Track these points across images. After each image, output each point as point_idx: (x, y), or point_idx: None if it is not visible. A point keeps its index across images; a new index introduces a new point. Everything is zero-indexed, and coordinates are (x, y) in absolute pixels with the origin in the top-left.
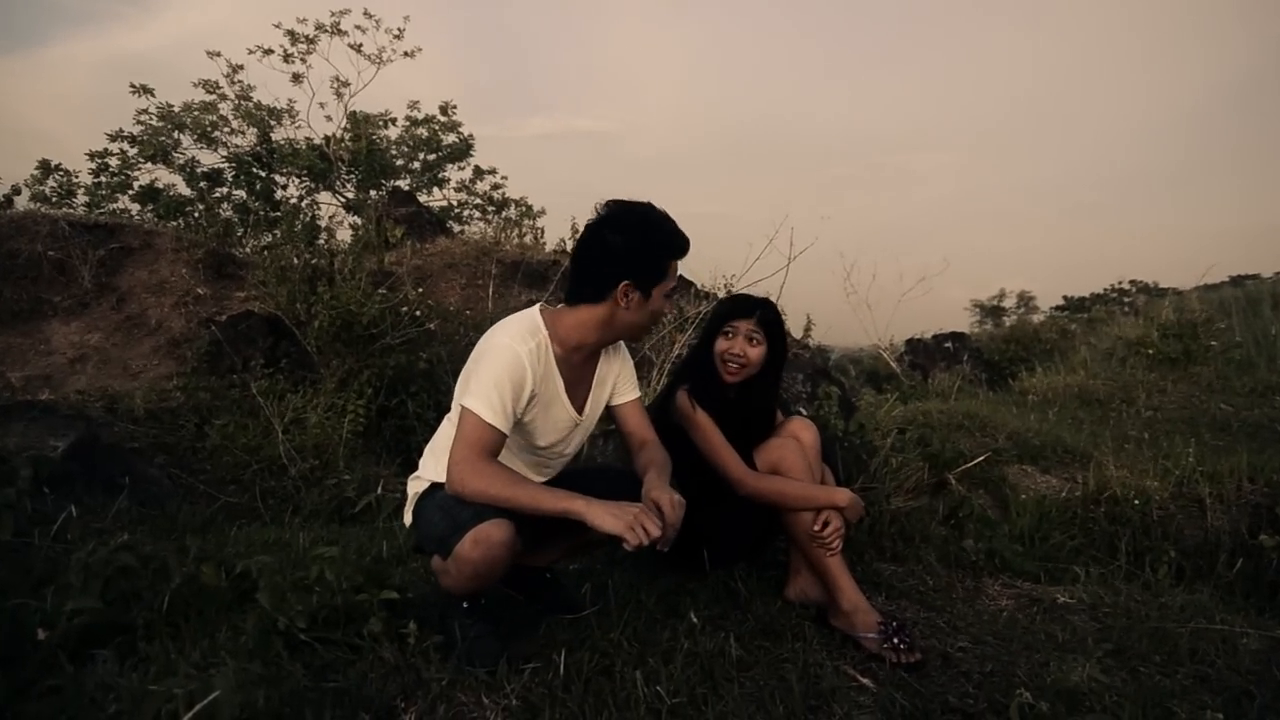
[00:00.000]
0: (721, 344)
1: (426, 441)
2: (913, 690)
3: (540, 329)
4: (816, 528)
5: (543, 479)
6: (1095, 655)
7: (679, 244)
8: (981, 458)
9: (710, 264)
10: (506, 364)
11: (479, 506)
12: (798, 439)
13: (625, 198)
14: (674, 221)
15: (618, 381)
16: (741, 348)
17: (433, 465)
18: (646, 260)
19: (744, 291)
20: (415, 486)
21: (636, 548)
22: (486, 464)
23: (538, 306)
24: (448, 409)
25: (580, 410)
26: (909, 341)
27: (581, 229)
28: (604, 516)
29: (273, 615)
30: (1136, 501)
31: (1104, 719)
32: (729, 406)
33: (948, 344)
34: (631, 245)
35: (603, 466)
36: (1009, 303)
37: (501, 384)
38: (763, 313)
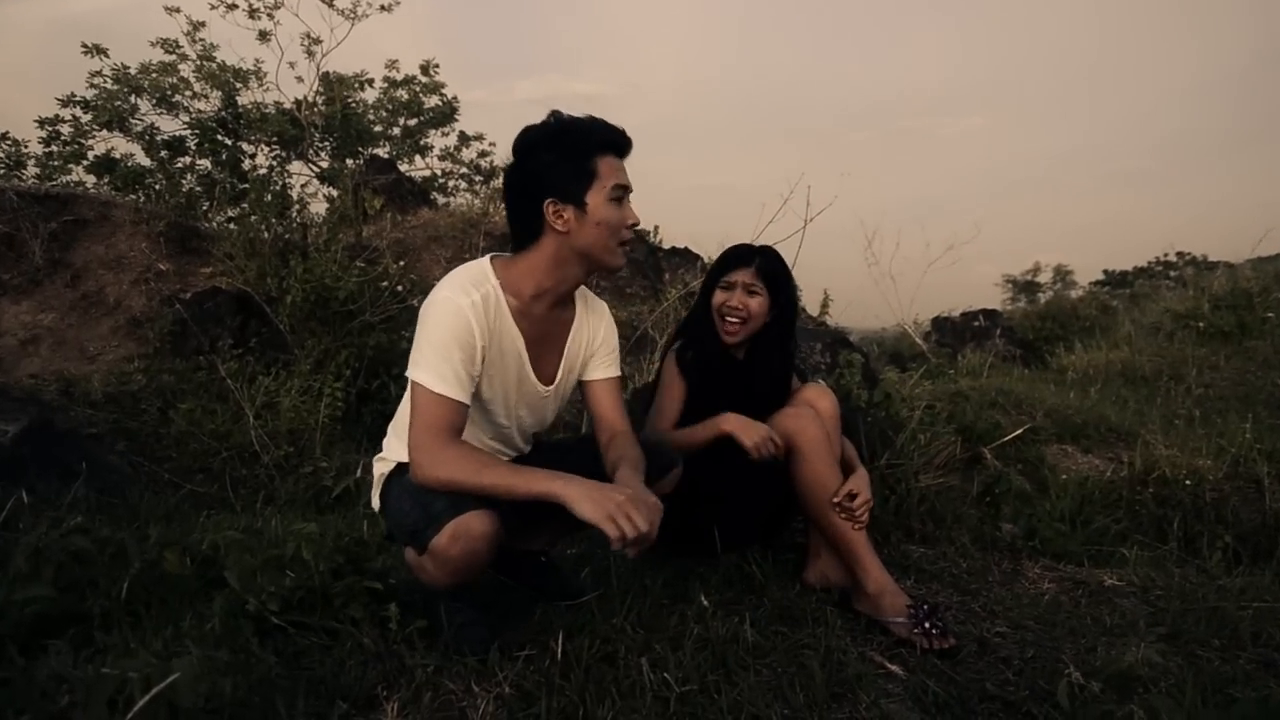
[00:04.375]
0: (719, 297)
1: None
2: (946, 677)
3: (489, 277)
4: (837, 499)
5: (513, 455)
6: (1149, 639)
7: (597, 135)
8: (1019, 431)
9: (718, 239)
10: (450, 322)
11: (452, 494)
12: (814, 407)
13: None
14: (571, 116)
15: (596, 351)
16: (740, 300)
17: (396, 444)
18: (562, 166)
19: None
20: (380, 468)
21: (619, 542)
22: (448, 446)
23: (489, 255)
24: None
25: (550, 379)
26: (935, 320)
27: None
28: (583, 501)
29: (242, 596)
30: (1188, 482)
31: (1164, 700)
32: (733, 371)
33: (977, 322)
34: (539, 159)
35: (586, 437)
36: (1044, 278)
37: (448, 346)
38: (762, 260)
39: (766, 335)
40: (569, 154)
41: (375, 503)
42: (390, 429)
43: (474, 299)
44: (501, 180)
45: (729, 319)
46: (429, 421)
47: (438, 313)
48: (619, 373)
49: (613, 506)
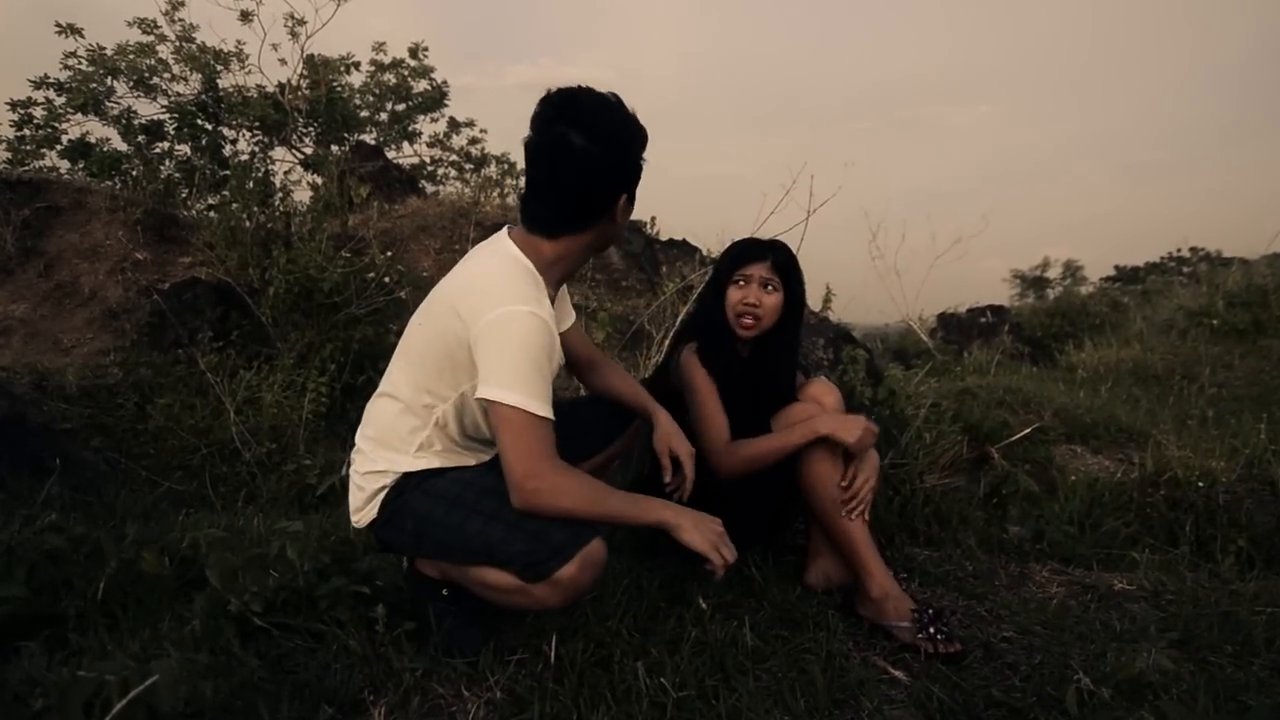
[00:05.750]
0: (734, 294)
1: None
2: (951, 683)
3: (539, 277)
4: (844, 483)
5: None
6: (1159, 644)
7: (643, 128)
8: (1027, 431)
9: (719, 229)
10: (539, 340)
11: (566, 520)
12: (820, 404)
13: (560, 87)
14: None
15: (560, 306)
16: (757, 296)
17: (390, 454)
18: (635, 162)
19: (752, 238)
20: (377, 481)
21: (722, 569)
22: (563, 473)
23: (510, 243)
24: None
25: None
26: (941, 316)
27: (532, 139)
28: (692, 531)
29: (223, 596)
30: (1200, 484)
31: (1175, 708)
32: (743, 368)
33: (985, 318)
34: (621, 150)
35: (572, 404)
36: (1054, 273)
37: (541, 365)
38: (776, 255)
39: (778, 332)
40: (639, 149)
41: (366, 517)
42: (372, 439)
43: (546, 308)
44: (555, 154)
45: (745, 316)
46: (537, 449)
47: (522, 329)
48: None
49: (715, 537)
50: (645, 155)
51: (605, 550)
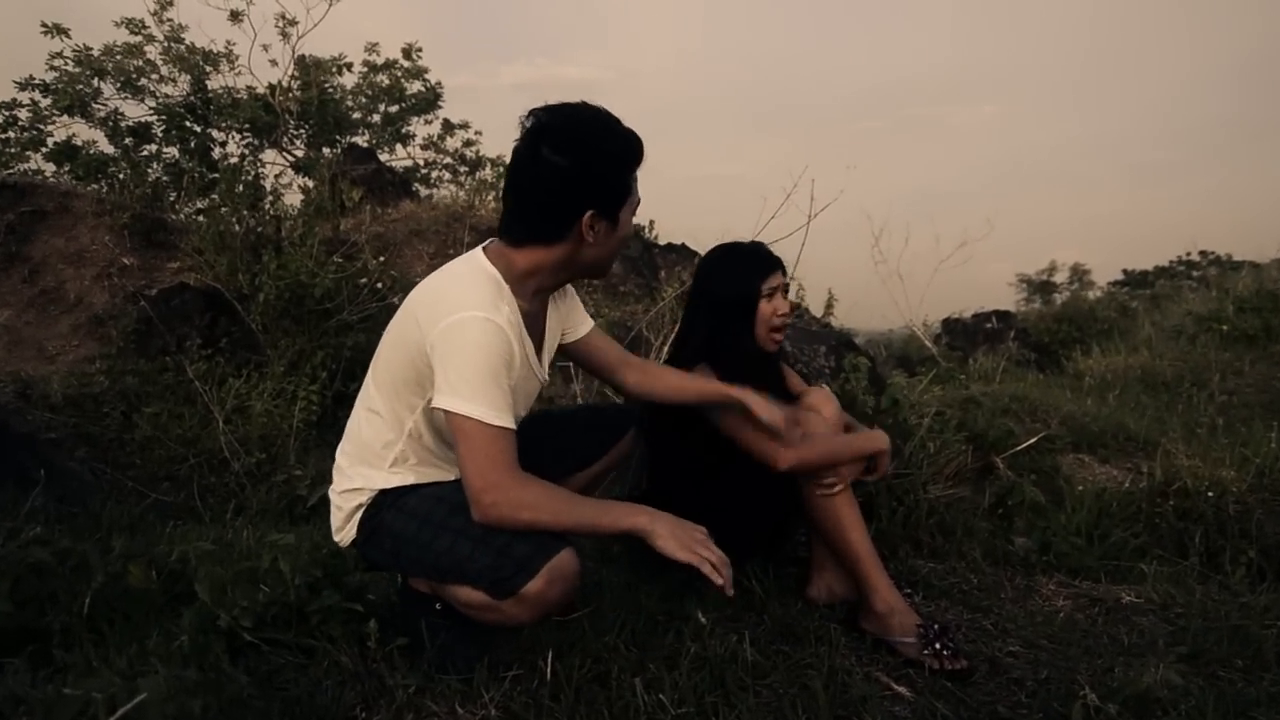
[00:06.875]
0: (765, 308)
1: None
2: (956, 699)
3: (502, 285)
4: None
5: None
6: (1168, 659)
7: (636, 148)
8: (1033, 440)
9: (719, 232)
10: (492, 345)
11: (533, 533)
12: (819, 413)
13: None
14: (618, 120)
15: (569, 315)
16: (787, 305)
17: (368, 471)
18: (607, 180)
19: (744, 243)
20: (354, 499)
21: (717, 576)
22: (523, 484)
23: (481, 253)
24: None
25: (543, 368)
26: (945, 321)
27: (513, 148)
28: (668, 539)
29: (212, 611)
30: (1210, 494)
31: None
32: (751, 378)
33: (990, 323)
34: (586, 165)
35: (564, 415)
36: (1060, 277)
37: (496, 372)
38: (783, 262)
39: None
40: (614, 165)
41: (347, 536)
42: (350, 455)
43: (505, 315)
44: (521, 164)
45: (778, 331)
46: (494, 459)
47: (475, 335)
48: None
49: (694, 544)
50: (635, 171)
51: (577, 561)
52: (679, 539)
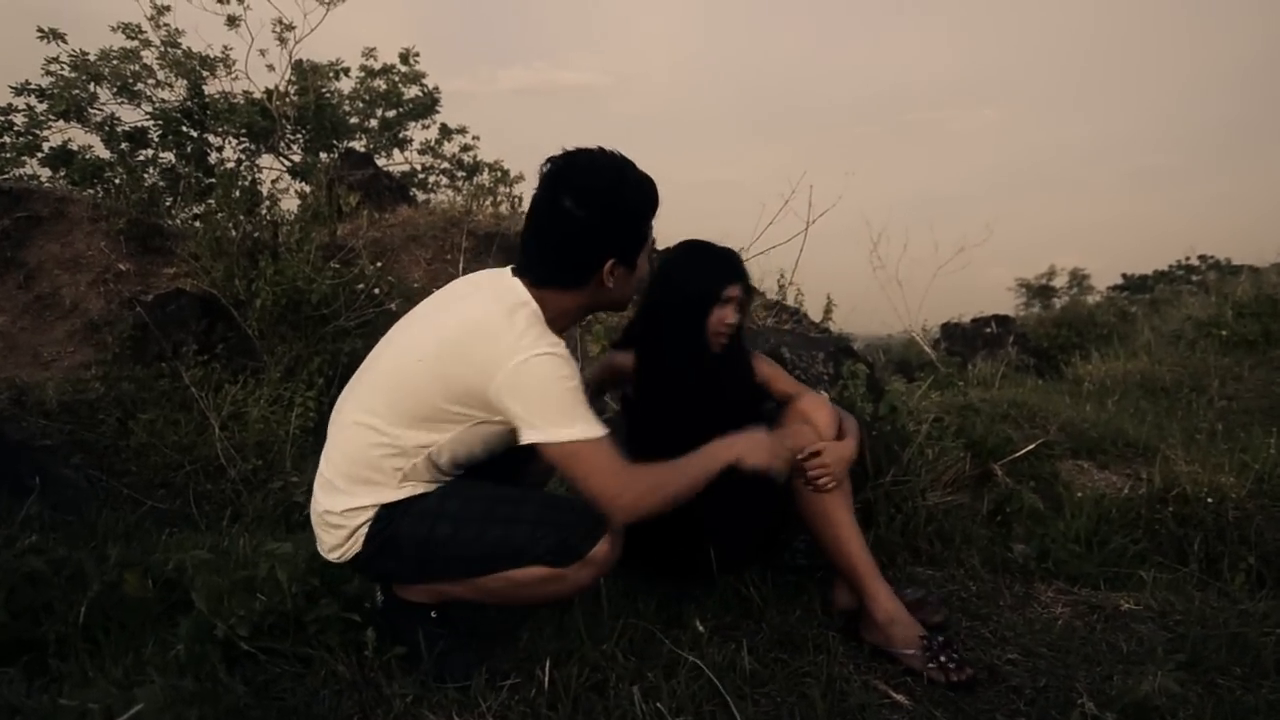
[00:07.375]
0: (716, 313)
1: None
2: (954, 707)
3: (539, 313)
4: (801, 457)
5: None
6: (1166, 667)
7: (653, 197)
8: (1032, 446)
9: (718, 237)
10: (565, 372)
11: (578, 504)
12: (811, 421)
13: (568, 148)
14: (636, 167)
15: None
16: (735, 317)
17: (366, 489)
18: (626, 230)
19: (717, 246)
20: (359, 516)
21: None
22: (642, 473)
23: (519, 283)
24: None
25: None
26: (945, 326)
27: (533, 195)
28: (752, 453)
29: (209, 620)
30: (1210, 500)
31: None
32: (707, 378)
33: (989, 328)
34: (606, 217)
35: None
36: (1060, 282)
37: (578, 392)
38: (747, 277)
39: (734, 342)
40: (633, 217)
41: (349, 552)
42: (351, 473)
43: (552, 339)
44: (541, 212)
45: (722, 336)
46: (611, 468)
47: (550, 370)
48: None
49: (768, 450)
50: (651, 219)
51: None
52: (756, 454)
